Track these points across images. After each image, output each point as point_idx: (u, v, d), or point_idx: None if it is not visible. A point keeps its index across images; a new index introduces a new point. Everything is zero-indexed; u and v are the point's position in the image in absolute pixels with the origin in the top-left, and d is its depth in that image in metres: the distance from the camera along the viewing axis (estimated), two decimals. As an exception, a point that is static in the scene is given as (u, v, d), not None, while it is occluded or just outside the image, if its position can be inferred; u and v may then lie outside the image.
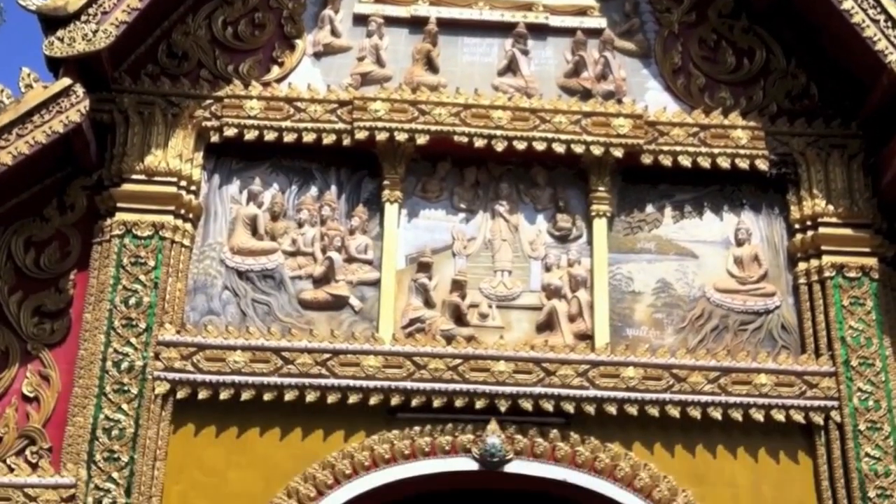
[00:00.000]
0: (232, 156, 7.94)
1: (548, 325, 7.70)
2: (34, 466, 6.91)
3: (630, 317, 7.76)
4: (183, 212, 7.59)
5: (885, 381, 7.46)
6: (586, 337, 7.63)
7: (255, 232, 7.79)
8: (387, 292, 7.65)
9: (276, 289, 7.67)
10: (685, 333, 7.73)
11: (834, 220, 7.87)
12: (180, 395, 7.17)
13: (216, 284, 7.62)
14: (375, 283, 7.71)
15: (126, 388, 7.09)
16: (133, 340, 7.21)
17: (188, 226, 7.61)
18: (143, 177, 7.57)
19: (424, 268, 7.76)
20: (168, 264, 7.42)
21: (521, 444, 7.29)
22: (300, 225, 7.84)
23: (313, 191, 7.96)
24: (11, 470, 6.89)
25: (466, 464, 7.27)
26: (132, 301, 7.30)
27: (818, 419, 7.39)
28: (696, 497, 7.22)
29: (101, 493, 6.84)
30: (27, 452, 6.95)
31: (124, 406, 7.04)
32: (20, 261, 7.44)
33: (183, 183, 7.62)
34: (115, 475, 6.89)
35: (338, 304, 7.66)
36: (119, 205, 7.49)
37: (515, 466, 7.28)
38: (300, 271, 7.73)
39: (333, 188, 7.97)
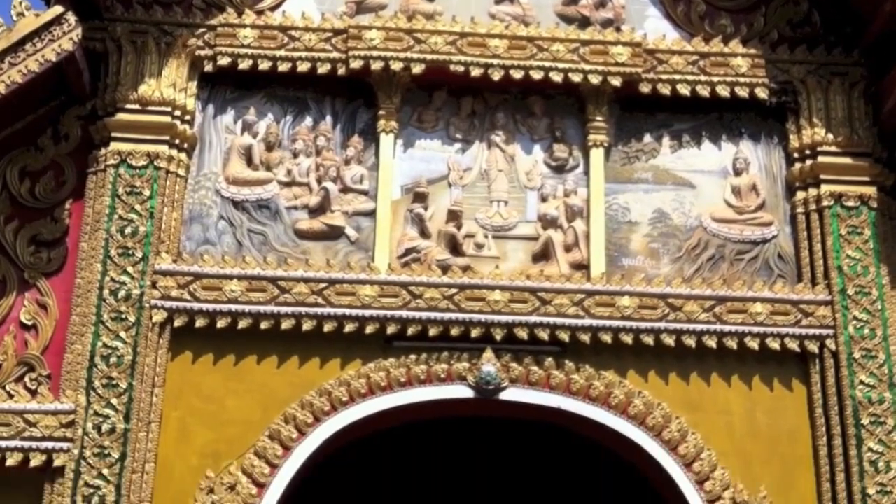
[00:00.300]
0: (226, 85, 8.01)
1: (543, 254, 7.83)
2: (33, 393, 7.12)
3: (626, 247, 7.87)
4: (177, 141, 7.68)
5: (880, 309, 7.59)
6: (582, 267, 7.76)
7: (250, 162, 7.89)
8: (382, 222, 7.76)
9: (272, 219, 7.79)
10: (681, 263, 7.85)
11: (833, 148, 7.95)
12: (177, 323, 7.34)
13: (212, 214, 7.75)
14: (371, 214, 7.82)
15: (123, 316, 7.26)
16: (130, 269, 7.37)
17: (183, 156, 7.71)
18: (136, 106, 7.65)
19: (420, 198, 7.87)
20: (163, 194, 7.54)
21: (516, 373, 7.46)
22: (295, 155, 7.94)
23: (308, 121, 8.04)
24: (11, 396, 7.09)
25: (462, 391, 7.46)
26: (128, 230, 7.44)
27: (813, 347, 7.54)
28: (689, 424, 7.39)
29: (101, 419, 7.05)
30: (26, 379, 7.16)
31: (122, 334, 7.22)
32: (15, 190, 7.57)
33: (177, 112, 7.71)
34: (114, 401, 7.09)
35: (333, 234, 7.78)
36: (113, 134, 7.60)
37: (510, 394, 7.46)
38: (296, 201, 7.84)
39: (328, 118, 8.05)
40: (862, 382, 7.42)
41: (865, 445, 7.28)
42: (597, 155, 8.00)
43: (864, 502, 7.18)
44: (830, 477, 7.30)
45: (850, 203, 7.80)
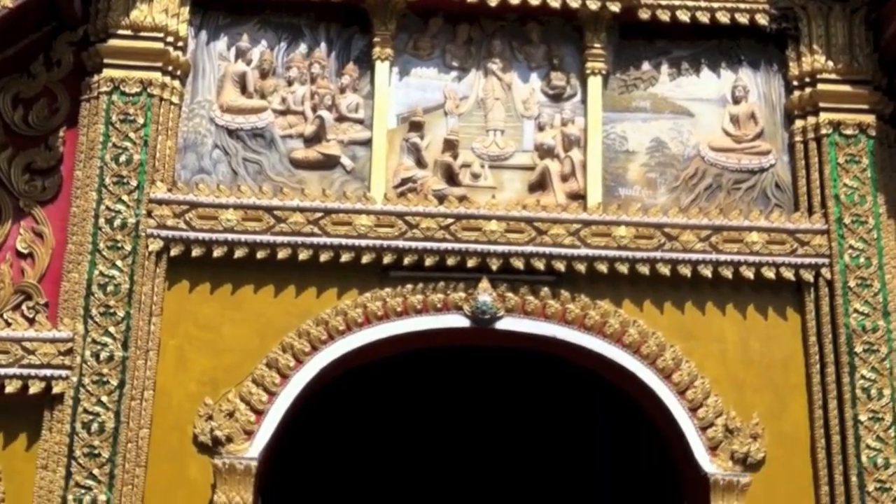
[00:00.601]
0: (218, 11, 8.03)
1: (540, 184, 7.91)
2: (31, 321, 7.27)
3: (623, 176, 7.96)
4: (170, 68, 7.72)
5: (876, 238, 7.71)
6: (578, 196, 7.86)
7: (244, 90, 7.93)
8: (378, 152, 7.84)
9: (267, 148, 7.86)
10: (678, 192, 7.94)
11: (833, 76, 8.00)
12: (174, 252, 7.46)
13: (206, 143, 7.81)
14: (367, 143, 7.89)
15: (119, 244, 7.37)
16: (125, 198, 7.45)
17: (176, 83, 7.75)
18: (128, 32, 7.68)
19: (416, 127, 7.92)
20: (157, 122, 7.60)
21: (511, 302, 7.60)
22: (290, 83, 7.97)
23: (302, 48, 8.06)
24: (9, 324, 7.24)
25: (458, 321, 7.60)
26: (122, 158, 7.51)
27: (808, 276, 7.68)
28: (683, 352, 7.56)
29: (99, 347, 7.20)
30: (24, 307, 7.30)
31: (118, 262, 7.34)
32: (8, 117, 7.63)
33: (169, 39, 7.73)
34: (111, 329, 7.24)
35: (329, 163, 7.86)
36: (106, 61, 7.64)
37: (506, 323, 7.61)
38: (291, 130, 7.90)
39: (323, 45, 8.07)
40: (856, 311, 7.57)
41: (858, 373, 7.46)
42: (594, 83, 8.05)
43: (856, 429, 7.37)
44: (823, 404, 7.48)
45: (849, 131, 7.88)
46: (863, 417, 7.39)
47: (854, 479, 7.29)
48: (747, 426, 7.44)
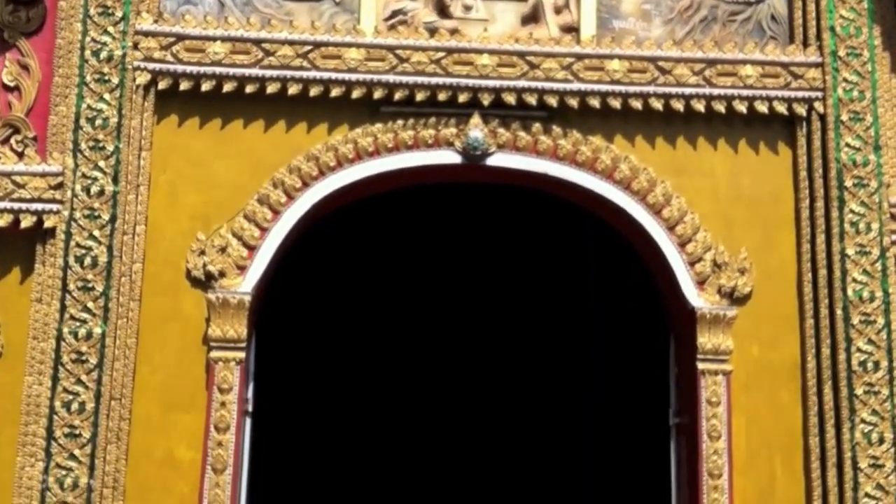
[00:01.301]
0: None
1: (533, 17, 7.99)
2: (20, 155, 7.43)
3: (617, 8, 8.03)
4: None
5: (871, 71, 7.87)
6: (572, 29, 7.95)
7: (228, -83, 7.93)
8: (368, -18, 7.88)
9: (253, -23, 7.90)
10: (673, 25, 8.04)
11: None
12: (162, 85, 7.58)
13: (191, -28, 7.86)
14: (356, -27, 7.93)
15: (107, 77, 7.49)
16: (110, 29, 7.53)
17: None
18: None
19: (406, -43, 7.97)
20: (141, -51, 7.63)
21: (503, 138, 7.78)
22: None
23: None
24: (-2, 158, 7.45)
25: (449, 157, 7.79)
26: (106, -13, 7.58)
27: (801, 110, 7.86)
28: (674, 187, 7.79)
29: (89, 182, 7.40)
30: (12, 141, 7.45)
31: (106, 96, 7.47)
32: (-11, -54, 7.66)
33: None
34: (101, 164, 7.42)
35: (318, -7, 7.92)
36: None
37: (497, 160, 7.80)
38: (278, -41, 7.93)
39: None
40: (847, 145, 7.78)
41: (847, 207, 7.72)
42: (589, -90, 8.06)
43: (843, 263, 7.68)
44: (811, 238, 7.75)
45: (847, -39, 7.96)
46: (850, 252, 7.68)
47: (839, 312, 7.62)
48: (735, 261, 7.73)
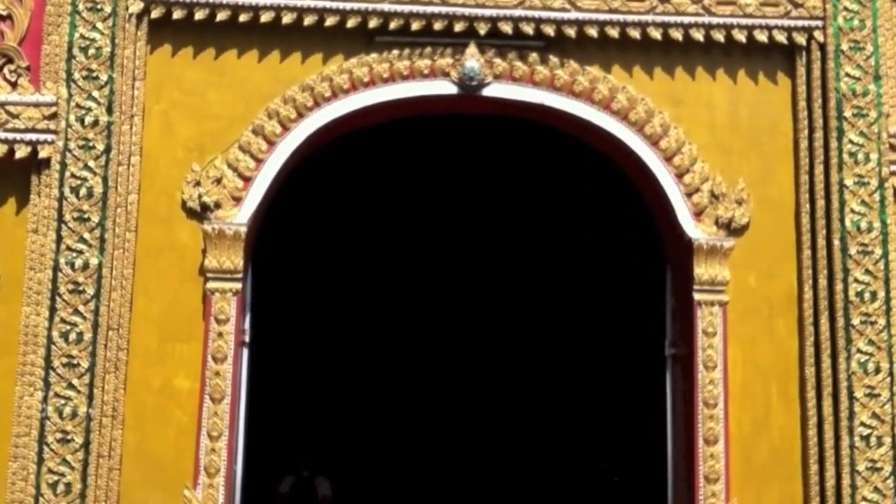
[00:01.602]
0: None
1: (530, -56, 7.99)
2: (13, 85, 7.50)
3: (615, -66, 8.04)
4: None
5: (872, -1, 7.90)
6: (570, -44, 7.96)
7: None
8: None
9: None
10: (672, -48, 8.05)
11: None
12: (154, 14, 7.62)
13: None
14: None
15: (99, 6, 7.53)
16: (102, -44, 7.58)
17: None
18: None
19: None
20: None
21: (499, 68, 7.80)
22: None
23: None
24: (-9, 88, 7.50)
25: (445, 87, 7.82)
26: (93, -82, 7.57)
27: (801, 39, 7.87)
28: (672, 118, 7.83)
29: (83, 111, 7.46)
30: (5, 71, 7.51)
31: (99, 25, 7.51)
32: None
33: None
34: (95, 94, 7.48)
35: (308, -81, 7.89)
36: None
37: (494, 90, 7.83)
38: None
39: None
40: (847, 75, 7.80)
41: (846, 137, 7.76)
42: None
43: (841, 193, 7.73)
44: (809, 169, 7.81)
45: None
46: (848, 182, 7.73)
47: (837, 242, 7.69)
48: (733, 192, 7.79)
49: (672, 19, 7.80)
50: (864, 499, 7.42)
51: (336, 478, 10.26)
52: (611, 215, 10.69)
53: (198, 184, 7.57)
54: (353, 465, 11.38)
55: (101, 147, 7.42)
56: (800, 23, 7.84)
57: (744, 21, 7.81)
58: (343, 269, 11.20)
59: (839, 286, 7.65)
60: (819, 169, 7.78)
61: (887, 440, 7.49)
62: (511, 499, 10.97)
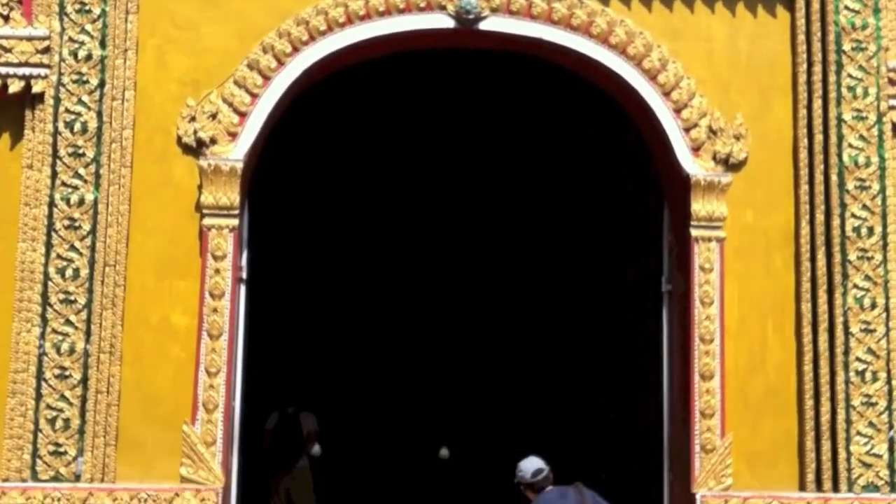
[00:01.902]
0: None
1: None
2: (6, 18, 7.50)
3: None
4: None
5: (873, -31, 7.87)
6: None
7: None
8: None
9: None
10: None
11: None
12: (147, -54, 7.62)
13: None
14: None
15: (89, -63, 7.53)
16: None
17: None
18: None
19: None
20: None
21: (496, 1, 7.79)
22: None
23: None
24: (-17, 22, 7.50)
25: (442, 21, 7.82)
26: None
27: (800, -27, 7.91)
28: (670, 52, 7.85)
29: (77, 45, 7.48)
30: (-3, 5, 7.54)
31: (90, -43, 7.52)
32: None
33: None
34: (88, 28, 7.48)
35: None
36: None
37: (491, 24, 7.84)
38: None
39: None
40: (846, 7, 7.85)
41: (845, 71, 7.80)
42: None
43: (839, 128, 7.79)
44: (807, 104, 7.85)
45: None
46: (846, 117, 7.78)
47: (834, 177, 7.77)
48: (731, 127, 7.83)
49: (671, -49, 7.83)
50: (859, 433, 7.57)
51: (326, 413, 10.38)
52: (609, 151, 10.73)
53: (193, 119, 7.59)
54: (347, 400, 11.53)
55: (94, 81, 7.44)
56: (797, -32, 7.86)
57: (744, -40, 7.84)
58: (338, 204, 11.25)
59: (836, 221, 7.73)
60: (817, 103, 7.82)
61: (882, 375, 7.62)
62: (504, 435, 11.12)
